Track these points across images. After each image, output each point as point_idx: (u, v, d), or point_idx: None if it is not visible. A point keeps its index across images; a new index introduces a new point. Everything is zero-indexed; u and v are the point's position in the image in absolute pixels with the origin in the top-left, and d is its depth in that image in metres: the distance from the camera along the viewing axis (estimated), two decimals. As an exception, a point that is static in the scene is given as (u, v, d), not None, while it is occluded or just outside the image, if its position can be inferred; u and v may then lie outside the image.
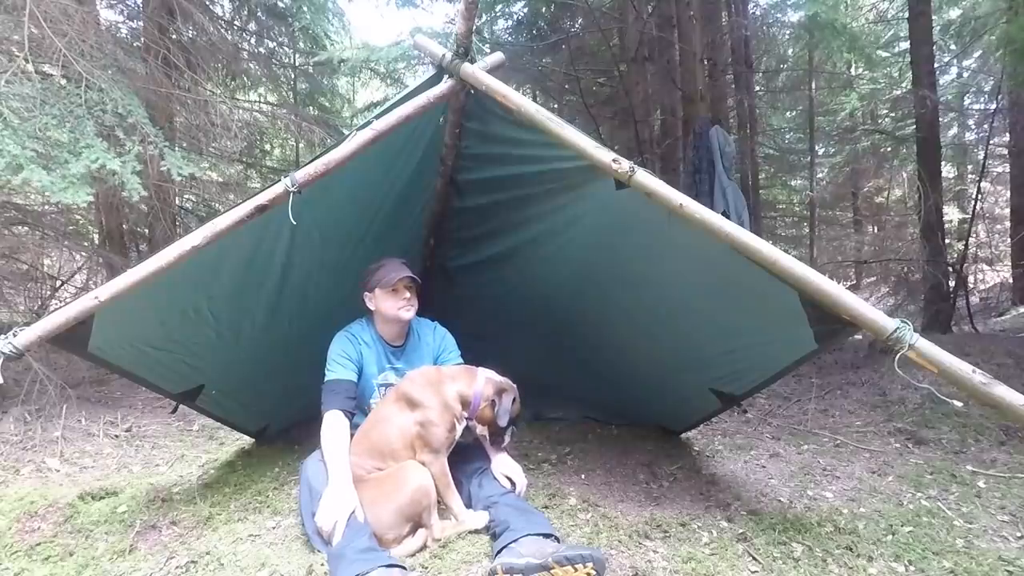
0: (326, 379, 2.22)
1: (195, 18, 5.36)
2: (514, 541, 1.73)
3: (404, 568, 1.68)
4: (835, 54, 6.77)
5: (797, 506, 2.35)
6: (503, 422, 2.08)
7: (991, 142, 7.08)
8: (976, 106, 9.57)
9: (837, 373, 4.50)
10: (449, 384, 2.10)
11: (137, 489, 2.46)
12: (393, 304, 2.25)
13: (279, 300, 2.53)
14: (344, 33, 7.44)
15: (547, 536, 1.78)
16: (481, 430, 2.16)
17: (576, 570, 1.60)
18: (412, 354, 2.40)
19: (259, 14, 6.75)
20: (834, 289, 1.77)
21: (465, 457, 2.19)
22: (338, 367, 2.23)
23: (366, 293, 2.30)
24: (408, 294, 2.28)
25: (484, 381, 2.11)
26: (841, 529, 2.08)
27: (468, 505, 2.04)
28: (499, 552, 1.73)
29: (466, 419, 2.11)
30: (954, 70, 9.29)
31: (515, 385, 2.16)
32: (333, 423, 2.07)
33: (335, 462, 1.94)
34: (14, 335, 1.79)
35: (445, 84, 2.11)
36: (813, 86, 9.47)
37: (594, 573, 1.61)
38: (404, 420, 2.05)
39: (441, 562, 1.78)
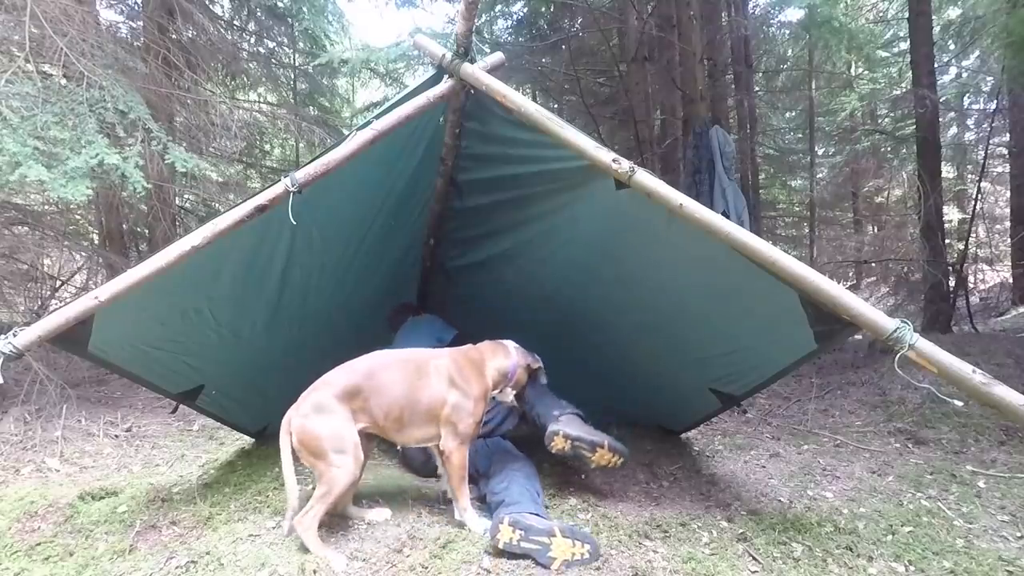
0: None
1: (195, 18, 5.36)
2: (519, 514, 1.83)
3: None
4: (834, 52, 6.78)
5: (797, 506, 2.35)
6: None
7: (991, 142, 7.07)
8: (976, 106, 9.56)
9: (837, 373, 4.50)
10: (490, 362, 2.17)
11: (137, 489, 2.46)
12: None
13: (279, 300, 2.52)
14: (344, 33, 7.43)
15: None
16: (511, 395, 2.30)
17: (574, 545, 1.74)
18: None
19: (259, 14, 6.75)
20: (834, 289, 1.77)
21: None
22: None
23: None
24: None
25: (515, 351, 2.28)
26: (841, 529, 2.08)
27: (483, 500, 2.13)
28: (502, 509, 1.89)
29: (503, 389, 2.24)
30: (954, 70, 9.27)
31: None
32: None
33: None
34: (14, 335, 1.79)
35: (445, 84, 2.11)
36: (813, 86, 9.47)
37: (587, 556, 1.74)
38: (439, 392, 2.04)
39: (441, 562, 1.78)
